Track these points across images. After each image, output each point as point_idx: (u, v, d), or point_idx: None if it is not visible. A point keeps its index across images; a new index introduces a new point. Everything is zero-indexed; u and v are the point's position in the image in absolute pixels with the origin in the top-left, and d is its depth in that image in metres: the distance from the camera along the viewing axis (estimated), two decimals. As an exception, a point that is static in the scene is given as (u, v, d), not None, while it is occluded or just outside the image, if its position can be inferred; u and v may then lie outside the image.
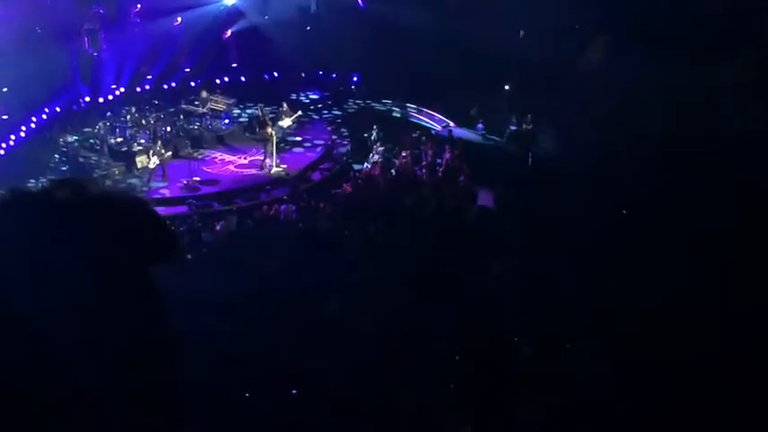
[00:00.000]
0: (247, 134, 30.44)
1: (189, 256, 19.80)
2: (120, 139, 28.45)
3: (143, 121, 29.41)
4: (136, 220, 1.91)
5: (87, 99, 31.68)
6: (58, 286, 1.74)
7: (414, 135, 28.93)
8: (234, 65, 35.50)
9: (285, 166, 28.02)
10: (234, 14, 35.22)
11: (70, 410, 1.73)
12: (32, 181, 21.92)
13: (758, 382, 11.80)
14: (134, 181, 26.99)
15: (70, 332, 1.73)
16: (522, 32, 30.84)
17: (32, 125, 29.03)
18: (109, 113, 30.53)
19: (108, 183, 24.81)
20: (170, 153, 27.53)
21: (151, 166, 26.91)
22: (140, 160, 27.35)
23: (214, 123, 30.72)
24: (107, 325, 1.78)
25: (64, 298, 1.73)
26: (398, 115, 32.83)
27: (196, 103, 31.39)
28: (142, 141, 28.19)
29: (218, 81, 34.30)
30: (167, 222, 2.04)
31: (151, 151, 27.02)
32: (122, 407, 1.80)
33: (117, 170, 27.18)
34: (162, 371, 1.89)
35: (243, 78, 35.21)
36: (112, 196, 1.92)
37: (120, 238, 1.84)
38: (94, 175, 25.92)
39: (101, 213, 1.85)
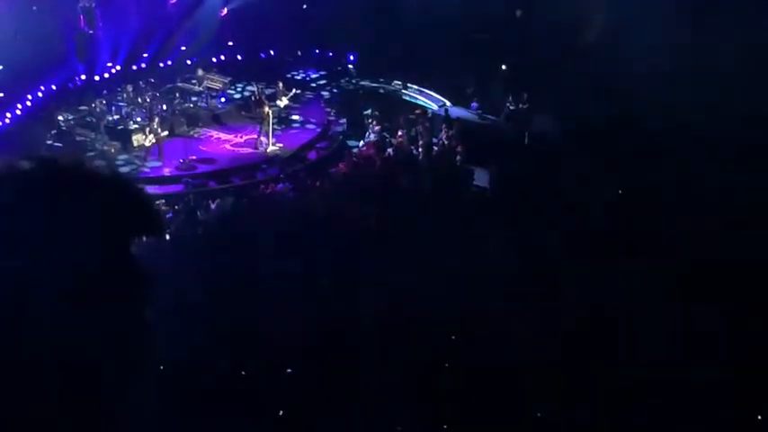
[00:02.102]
0: (243, 113, 30.39)
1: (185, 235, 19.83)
2: (116, 117, 28.38)
3: (139, 100, 29.35)
4: (115, 194, 1.92)
5: (83, 77, 31.58)
6: (37, 261, 1.75)
7: (411, 116, 28.89)
8: (230, 43, 35.35)
9: (281, 144, 28.01)
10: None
11: (51, 383, 1.75)
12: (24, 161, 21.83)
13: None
14: (130, 159, 26.93)
15: (50, 309, 1.74)
16: (518, 12, 30.78)
17: (28, 103, 28.95)
18: (105, 91, 30.45)
19: (103, 161, 24.69)
20: (166, 132, 27.49)
21: (147, 144, 26.88)
22: (137, 138, 27.33)
23: (210, 102, 30.67)
24: (87, 300, 1.79)
25: (43, 272, 1.74)
26: (395, 94, 32.75)
27: (192, 81, 31.34)
28: (138, 119, 28.13)
29: (214, 59, 34.19)
30: (149, 197, 2.05)
31: (147, 129, 26.98)
32: (104, 382, 1.82)
33: (113, 148, 27.11)
34: (142, 350, 1.91)
35: (239, 57, 35.09)
36: (91, 171, 1.92)
37: (99, 213, 1.85)
38: (90, 154, 25.91)
39: (77, 187, 1.86)
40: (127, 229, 1.92)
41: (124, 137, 27.55)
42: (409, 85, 32.47)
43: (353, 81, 34.39)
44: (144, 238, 1.96)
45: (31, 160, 1.88)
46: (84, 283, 1.79)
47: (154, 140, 26.76)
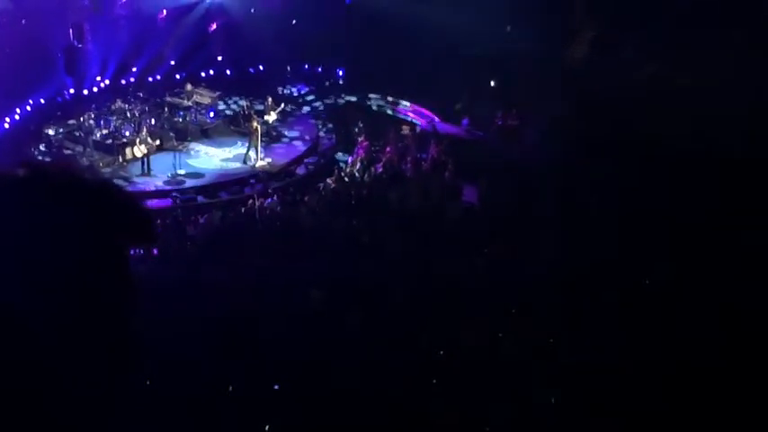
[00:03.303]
0: (232, 127, 30.39)
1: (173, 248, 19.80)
2: (104, 132, 28.32)
3: (128, 114, 29.31)
4: (106, 202, 1.92)
5: (72, 91, 31.55)
6: (31, 268, 1.75)
7: (401, 132, 28.93)
8: (219, 57, 35.40)
9: (270, 159, 28.02)
10: (219, 7, 35.16)
11: (38, 387, 1.75)
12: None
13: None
14: (118, 173, 26.87)
15: (43, 314, 1.74)
16: (508, 27, 30.87)
17: (17, 117, 28.90)
18: (94, 105, 30.38)
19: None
20: (158, 141, 27.52)
21: (138, 155, 26.88)
22: (129, 151, 27.27)
23: (199, 117, 30.65)
24: (77, 306, 1.79)
25: (37, 278, 1.75)
26: (383, 110, 32.79)
27: (181, 96, 31.34)
28: (127, 134, 28.07)
29: (203, 74, 34.21)
30: (141, 205, 2.06)
31: (138, 140, 26.98)
32: (92, 385, 1.82)
33: (102, 162, 27.05)
34: (129, 357, 1.90)
35: (228, 72, 35.12)
36: (83, 178, 1.93)
37: (91, 220, 1.85)
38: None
39: (69, 194, 1.87)
40: (118, 237, 1.92)
41: (113, 151, 27.47)
42: (398, 100, 32.50)
43: (342, 96, 34.40)
44: (136, 246, 1.97)
45: (23, 168, 1.88)
46: (75, 290, 1.79)
47: (145, 151, 26.75)
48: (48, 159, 26.65)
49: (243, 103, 31.04)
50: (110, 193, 1.95)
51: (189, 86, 31.31)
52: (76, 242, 1.81)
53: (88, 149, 27.64)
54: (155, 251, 18.32)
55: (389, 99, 32.81)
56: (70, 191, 1.87)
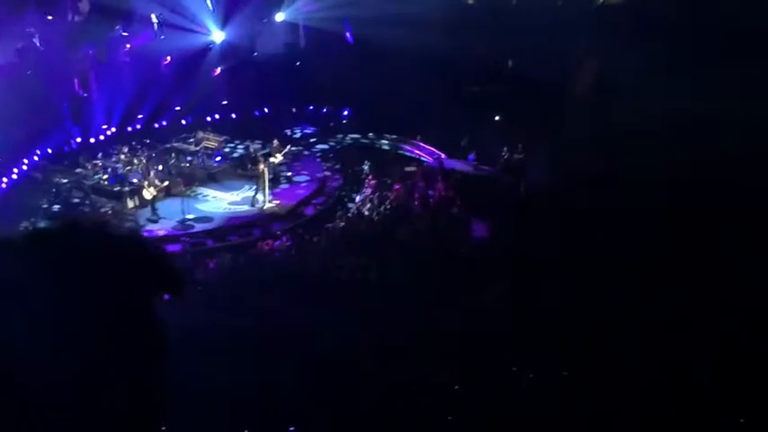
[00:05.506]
0: (239, 171, 30.47)
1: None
2: (111, 179, 28.39)
3: (135, 161, 29.41)
4: (135, 253, 1.95)
5: (78, 140, 31.72)
6: (61, 318, 1.78)
7: (408, 169, 29.02)
8: (224, 102, 35.59)
9: (278, 201, 28.05)
10: (223, 52, 35.41)
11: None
12: (24, 223, 21.88)
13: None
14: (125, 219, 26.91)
15: (76, 363, 1.78)
16: (510, 62, 31.04)
17: (24, 167, 29.05)
18: (100, 154, 30.52)
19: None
20: (167, 182, 27.61)
21: (148, 197, 26.96)
22: (138, 197, 27.38)
23: (206, 161, 30.74)
24: (109, 355, 1.82)
25: (67, 328, 1.78)
26: (390, 148, 32.86)
27: (189, 141, 31.47)
28: (134, 180, 28.16)
29: (208, 118, 34.37)
30: (168, 256, 2.10)
31: (146, 182, 27.06)
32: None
33: (110, 210, 27.10)
34: (159, 401, 1.93)
35: (233, 115, 35.28)
36: (112, 231, 1.95)
37: (121, 271, 1.88)
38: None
39: (100, 247, 1.89)
40: (148, 287, 1.94)
41: (121, 198, 27.55)
42: (403, 138, 32.59)
43: (349, 136, 34.49)
44: (168, 293, 1.99)
45: (53, 221, 1.91)
46: (107, 339, 1.82)
47: (154, 193, 26.84)
48: (55, 209, 26.79)
49: (254, 146, 31.14)
50: (139, 246, 1.97)
51: (200, 134, 31.50)
52: (109, 295, 1.85)
53: (95, 197, 27.70)
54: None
55: (395, 137, 32.87)
56: (102, 244, 1.90)
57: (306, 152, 33.17)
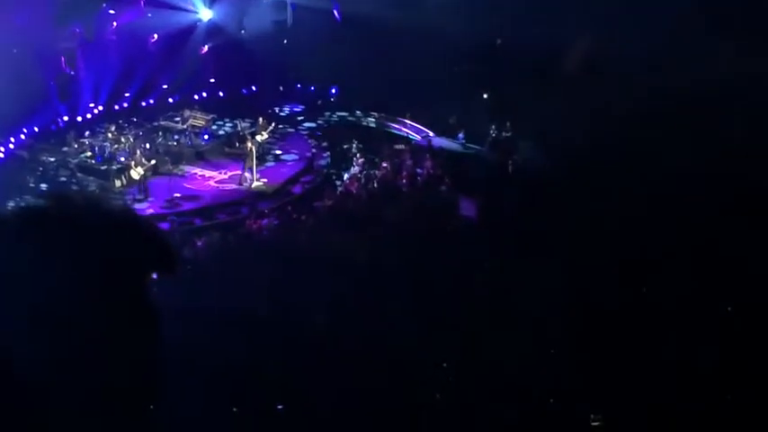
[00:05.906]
0: (227, 149, 30.37)
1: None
2: (99, 157, 28.29)
3: (122, 139, 29.28)
4: (129, 230, 1.94)
5: (65, 118, 31.57)
6: (56, 301, 1.78)
7: (396, 147, 28.99)
8: (211, 80, 35.43)
9: (265, 179, 27.98)
10: (210, 29, 35.24)
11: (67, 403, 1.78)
12: (12, 202, 21.79)
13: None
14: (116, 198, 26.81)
15: (69, 338, 1.78)
16: (498, 41, 30.97)
17: (11, 145, 28.91)
18: (87, 132, 30.39)
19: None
20: (154, 161, 27.49)
21: (135, 177, 26.83)
22: (125, 176, 27.25)
23: (194, 139, 30.62)
24: (104, 335, 1.83)
25: (63, 310, 1.78)
26: (377, 126, 32.78)
27: (175, 119, 31.31)
28: (122, 159, 28.05)
29: (195, 97, 34.21)
30: (162, 233, 2.10)
31: (133, 162, 26.94)
32: (116, 408, 1.86)
33: (96, 188, 26.98)
34: (152, 378, 1.92)
35: (221, 93, 35.14)
36: (105, 208, 1.95)
37: (115, 248, 1.87)
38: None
39: (93, 223, 1.88)
40: (142, 264, 1.93)
41: (109, 177, 27.44)
42: (392, 116, 32.49)
43: (336, 114, 34.38)
44: (161, 270, 1.99)
45: (46, 198, 1.90)
46: (101, 317, 1.82)
47: (142, 172, 26.72)
48: (42, 188, 26.69)
49: (243, 124, 30.99)
50: (133, 223, 1.97)
51: (187, 112, 31.32)
52: (103, 272, 1.84)
53: (82, 176, 27.58)
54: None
55: (383, 115, 32.78)
56: (95, 222, 1.89)
57: (294, 130, 33.01)
